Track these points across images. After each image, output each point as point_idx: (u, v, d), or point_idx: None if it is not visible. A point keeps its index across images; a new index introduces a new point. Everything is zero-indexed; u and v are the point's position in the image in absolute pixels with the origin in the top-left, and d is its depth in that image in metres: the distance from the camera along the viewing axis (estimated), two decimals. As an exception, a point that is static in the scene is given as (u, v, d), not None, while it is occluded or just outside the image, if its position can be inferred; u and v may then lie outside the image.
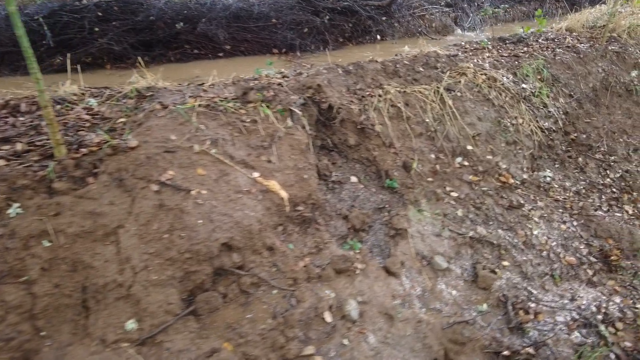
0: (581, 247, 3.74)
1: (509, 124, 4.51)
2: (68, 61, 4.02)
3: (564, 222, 3.96)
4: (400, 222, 3.53)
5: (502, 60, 5.25)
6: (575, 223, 3.96)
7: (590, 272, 3.52)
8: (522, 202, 4.02)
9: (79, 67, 5.18)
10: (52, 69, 5.15)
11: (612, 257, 3.60)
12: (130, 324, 2.51)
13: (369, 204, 3.81)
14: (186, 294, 2.78)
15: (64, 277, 2.56)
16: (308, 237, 3.35)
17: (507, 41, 6.06)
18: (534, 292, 3.30)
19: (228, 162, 3.22)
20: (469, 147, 4.24)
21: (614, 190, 4.45)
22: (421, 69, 4.65)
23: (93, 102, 3.75)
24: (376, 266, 3.21)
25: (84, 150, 3.00)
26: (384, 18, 6.86)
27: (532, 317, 3.06)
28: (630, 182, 4.53)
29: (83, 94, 3.94)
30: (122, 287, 2.59)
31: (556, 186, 4.33)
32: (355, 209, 3.65)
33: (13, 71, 4.98)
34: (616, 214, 4.17)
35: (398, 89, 4.35)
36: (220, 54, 5.84)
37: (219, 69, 4.55)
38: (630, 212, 4.23)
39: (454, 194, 3.96)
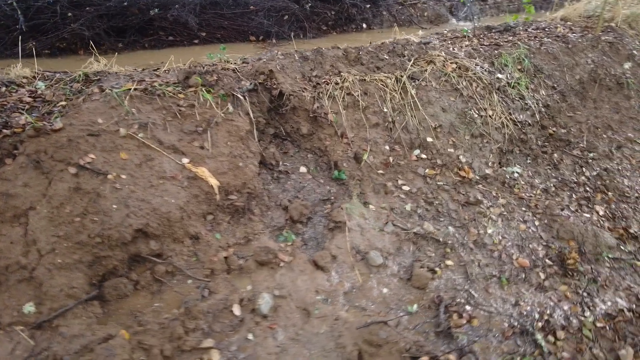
0: (538, 248, 3.48)
1: (476, 115, 4.26)
2: (19, 45, 4.02)
3: (525, 222, 3.70)
4: (340, 215, 3.38)
5: (481, 49, 4.97)
6: (537, 223, 3.70)
7: (542, 276, 3.27)
8: (480, 198, 3.79)
9: (49, 51, 5.22)
10: (24, 54, 5.19)
11: (570, 261, 3.33)
12: (29, 307, 2.47)
13: (313, 196, 3.66)
14: (97, 278, 2.73)
15: (-33, 257, 2.54)
16: (239, 227, 3.24)
17: (493, 30, 5.75)
18: (475, 295, 3.09)
19: (155, 146, 3.14)
20: (429, 139, 4.03)
21: (588, 189, 4.14)
22: (386, 57, 4.44)
23: (41, 85, 3.74)
24: (304, 259, 3.08)
25: (6, 131, 2.98)
26: (368, 6, 6.62)
27: (464, 321, 2.86)
28: (607, 181, 4.20)
29: (34, 77, 3.94)
30: (25, 270, 2.56)
31: (523, 183, 4.06)
32: (297, 200, 3.52)
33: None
34: (584, 214, 3.87)
35: (357, 76, 4.16)
36: (196, 41, 5.77)
37: (194, 56, 4.47)
38: (601, 213, 3.91)
39: (406, 188, 3.77)
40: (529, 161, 4.33)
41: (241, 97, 3.64)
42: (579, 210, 3.89)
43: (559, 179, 4.19)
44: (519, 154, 4.35)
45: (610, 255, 3.50)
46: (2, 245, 2.58)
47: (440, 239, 3.41)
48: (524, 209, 3.82)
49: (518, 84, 4.69)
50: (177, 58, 4.73)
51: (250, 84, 3.86)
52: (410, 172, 3.88)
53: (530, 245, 3.49)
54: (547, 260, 3.37)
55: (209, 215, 3.23)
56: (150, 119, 3.25)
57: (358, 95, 4.03)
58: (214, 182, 3.20)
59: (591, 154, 4.48)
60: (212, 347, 2.46)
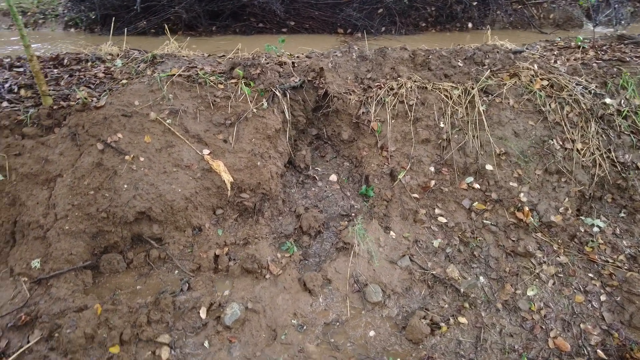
0: (593, 332, 2.69)
1: (558, 147, 3.45)
2: (112, 24, 4.45)
3: (585, 292, 2.89)
4: (350, 236, 3.06)
5: (594, 65, 3.99)
6: (603, 298, 2.86)
7: (586, 368, 2.53)
8: (533, 250, 3.07)
9: (157, 30, 5.73)
10: (136, 32, 5.82)
11: None
12: (35, 262, 2.76)
13: (333, 208, 3.39)
14: (98, 250, 2.92)
15: (3, 208, 2.93)
16: (244, 227, 3.16)
17: (627, 40, 4.59)
18: (482, 366, 2.53)
19: (179, 134, 3.21)
20: (489, 167, 3.39)
21: (703, 267, 3.05)
22: (460, 64, 3.84)
23: (119, 62, 4.12)
24: (293, 277, 2.87)
25: (63, 103, 3.34)
26: (475, 3, 5.76)
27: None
28: None
29: (118, 54, 4.36)
30: (41, 229, 2.86)
31: (601, 242, 3.17)
32: (312, 211, 3.29)
33: (108, 31, 5.76)
34: None
35: (417, 83, 3.69)
36: (284, 30, 5.77)
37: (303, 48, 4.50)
38: None
39: (442, 220, 3.25)
40: (622, 215, 3.37)
41: (279, 94, 3.50)
42: (677, 295, 2.90)
43: (662, 246, 3.18)
44: (610, 203, 3.41)
45: None
46: (30, 204, 2.92)
47: (462, 290, 2.86)
48: (591, 275, 2.99)
49: (636, 113, 3.66)
50: (256, 45, 4.79)
51: (298, 80, 3.70)
52: (453, 201, 3.33)
53: (582, 325, 2.72)
54: (599, 351, 2.59)
55: (219, 209, 3.22)
56: (183, 106, 3.33)
57: (413, 105, 3.58)
58: (227, 177, 3.16)
59: None
60: (166, 344, 2.45)
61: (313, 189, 3.49)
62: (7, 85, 3.58)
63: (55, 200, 2.92)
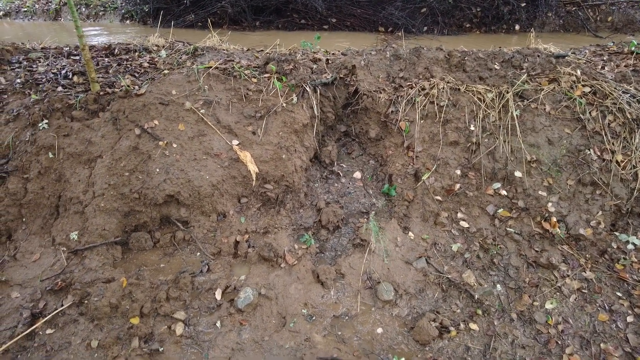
0: (614, 354, 2.55)
1: (595, 157, 3.28)
2: (160, 17, 4.69)
3: (610, 311, 2.75)
4: (366, 233, 3.09)
5: (647, 73, 3.75)
6: (630, 319, 2.70)
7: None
8: (557, 262, 2.95)
9: (206, 24, 5.97)
10: (185, 24, 6.10)
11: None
12: (73, 234, 3.01)
13: (355, 205, 3.43)
14: (129, 228, 3.14)
15: (50, 183, 3.21)
16: (266, 217, 3.27)
17: (689, 48, 4.25)
18: (490, 375, 2.49)
19: (211, 124, 3.36)
20: (518, 174, 3.29)
21: None
22: (496, 67, 3.74)
23: (163, 53, 4.36)
24: (308, 268, 2.94)
25: (109, 90, 3.59)
26: (523, 4, 5.50)
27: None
28: None
29: (164, 46, 4.60)
30: (80, 205, 3.11)
31: (635, 260, 2.98)
32: (333, 206, 3.35)
33: (165, 23, 6.09)
34: None
35: (450, 84, 3.64)
36: (325, 27, 5.82)
37: (320, 42, 4.57)
38: None
39: (464, 224, 3.20)
40: (663, 233, 3.16)
41: (309, 90, 3.58)
42: None
43: None
44: (651, 220, 3.21)
45: None
46: (73, 181, 3.18)
47: (476, 296, 2.82)
48: (619, 294, 2.84)
49: (689, 127, 3.41)
50: (297, 41, 4.88)
51: (330, 77, 3.76)
52: (477, 207, 3.27)
53: (603, 345, 2.60)
54: (618, 373, 2.47)
55: (244, 198, 3.34)
56: (217, 97, 3.48)
57: (443, 106, 3.53)
58: (252, 168, 3.28)
59: None
60: (181, 320, 2.60)
61: (336, 184, 3.54)
62: (63, 72, 3.90)
63: (95, 179, 3.16)
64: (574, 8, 5.87)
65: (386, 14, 5.59)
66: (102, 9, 6.52)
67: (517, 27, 5.74)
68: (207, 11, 5.83)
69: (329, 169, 3.62)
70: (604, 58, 4.15)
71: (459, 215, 3.24)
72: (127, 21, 6.37)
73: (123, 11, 6.43)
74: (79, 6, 7.08)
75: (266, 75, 3.66)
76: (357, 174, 3.62)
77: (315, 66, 3.97)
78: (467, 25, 5.76)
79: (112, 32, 5.89)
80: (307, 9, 5.77)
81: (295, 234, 3.22)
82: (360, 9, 5.71)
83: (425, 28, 5.56)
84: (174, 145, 3.23)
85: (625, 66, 3.92)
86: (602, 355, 2.56)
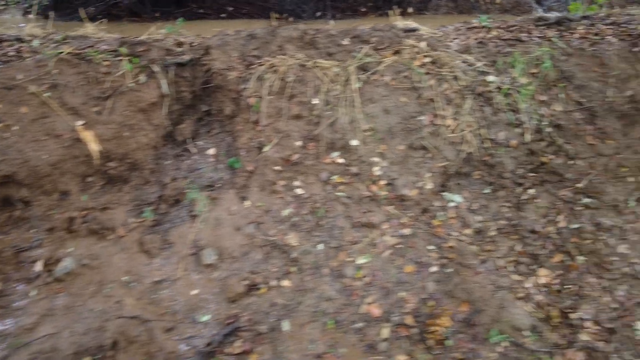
0: (411, 300, 2.70)
1: (426, 123, 3.46)
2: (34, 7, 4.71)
3: (419, 263, 2.92)
4: (199, 204, 3.21)
5: (490, 45, 3.95)
6: (434, 269, 2.86)
7: (384, 334, 2.58)
8: (378, 222, 3.12)
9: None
10: (84, 17, 6.12)
11: (434, 328, 2.53)
12: None
13: (202, 180, 3.54)
14: (-30, 209, 3.20)
15: None
16: (108, 194, 3.36)
17: (542, 22, 4.47)
18: (283, 329, 2.63)
19: (55, 106, 3.43)
20: (354, 143, 3.45)
21: (548, 245, 2.99)
22: (346, 42, 3.89)
23: (36, 43, 4.40)
24: (135, 239, 3.05)
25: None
26: None
27: (239, 351, 2.49)
28: (587, 241, 2.94)
29: (39, 36, 4.64)
30: None
31: (452, 216, 3.16)
32: (179, 181, 3.46)
33: (60, 16, 6.08)
34: (512, 276, 2.83)
35: (300, 61, 3.77)
36: (223, 15, 5.93)
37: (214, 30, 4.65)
38: (544, 280, 2.79)
39: (299, 191, 3.34)
40: (486, 191, 3.34)
41: (157, 70, 3.67)
42: (509, 269, 2.89)
43: (513, 222, 3.14)
44: (477, 180, 3.40)
45: (511, 339, 2.55)
46: None
47: (294, 255, 2.96)
48: (431, 247, 3.02)
49: (518, 92, 3.61)
50: (196, 30, 4.95)
51: (187, 58, 3.86)
52: (313, 175, 3.42)
53: (401, 294, 2.77)
54: (408, 318, 2.64)
55: (89, 177, 3.43)
56: (65, 80, 3.55)
57: (290, 82, 3.67)
58: (94, 147, 3.37)
59: (587, 200, 3.20)
60: (-3, 290, 2.69)
61: (188, 161, 3.65)
62: None
63: None
64: (462, -10, 6.11)
65: (279, 0, 5.72)
66: (4, 3, 6.52)
67: (410, 9, 5.92)
68: (106, 3, 5.89)
69: (183, 147, 3.73)
70: (461, 32, 4.33)
71: (296, 183, 3.38)
72: (31, 15, 6.38)
73: (25, 5, 6.43)
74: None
75: (119, 58, 3.74)
76: (212, 150, 3.73)
77: (180, 49, 4.07)
78: (363, 10, 5.93)
79: (8, 27, 5.90)
80: (204, -2, 5.87)
81: (137, 210, 3.32)
82: (255, -4, 5.84)
83: (319, 13, 5.71)
84: (15, 128, 3.29)
85: (475, 39, 4.11)
86: (398, 303, 2.73)
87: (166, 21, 6.16)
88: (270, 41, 3.98)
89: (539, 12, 6.11)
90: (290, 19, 5.70)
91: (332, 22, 5.49)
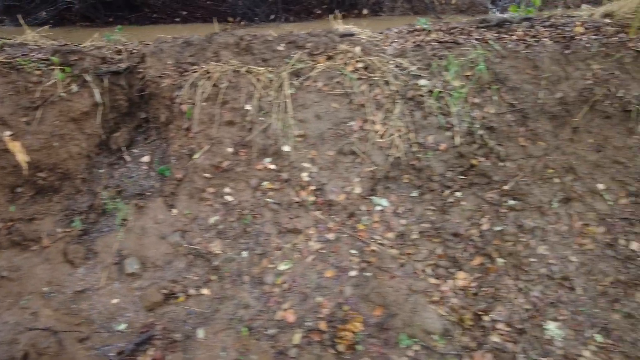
0: (327, 305, 2.73)
1: (356, 128, 3.49)
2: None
3: (338, 268, 2.94)
4: (131, 214, 3.21)
5: (426, 48, 3.98)
6: (352, 273, 2.90)
7: (296, 340, 2.60)
8: (303, 228, 3.14)
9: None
10: (36, 22, 6.08)
11: (344, 333, 2.56)
12: None
13: (133, 187, 3.54)
14: None
15: None
16: (37, 204, 3.35)
17: (483, 24, 4.52)
18: (196, 335, 2.64)
19: (-19, 117, 3.41)
20: (286, 149, 3.47)
21: (469, 247, 3.04)
22: (281, 48, 3.91)
23: (-23, 51, 4.36)
24: (60, 249, 3.04)
25: None
26: None
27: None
28: (507, 244, 2.98)
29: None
30: None
31: (376, 220, 3.20)
32: (110, 190, 3.46)
33: (12, 22, 6.04)
34: (429, 279, 2.86)
35: (233, 67, 3.78)
36: (177, 19, 5.92)
37: (171, 34, 4.62)
38: (461, 283, 2.84)
39: (228, 198, 3.35)
40: (413, 195, 3.38)
41: (89, 79, 3.66)
42: (428, 273, 2.93)
43: (437, 225, 3.18)
44: (405, 184, 3.43)
45: (422, 343, 2.59)
46: None
47: (216, 263, 2.98)
48: (353, 251, 3.05)
49: (450, 95, 3.65)
50: (150, 35, 4.93)
51: (123, 66, 3.86)
52: (244, 181, 3.43)
53: (319, 299, 2.80)
54: (321, 324, 2.67)
55: (19, 187, 3.42)
56: (-6, 91, 3.53)
57: (223, 88, 3.67)
58: (22, 157, 3.35)
59: (512, 202, 3.26)
60: None
61: (121, 169, 3.65)
62: None
63: None
64: (418, -9, 6.15)
65: (231, 4, 5.72)
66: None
67: (365, 11, 5.95)
68: (57, 7, 5.84)
69: (117, 155, 3.73)
70: (401, 35, 4.37)
71: (226, 190, 3.40)
72: (-18, 21, 6.33)
73: (-20, 12, 6.37)
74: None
75: (51, 67, 3.73)
76: (146, 158, 3.73)
77: (119, 57, 4.06)
78: (317, 12, 5.95)
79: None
80: (157, 2, 5.83)
81: (67, 219, 3.32)
82: (209, 1, 5.81)
83: (273, 16, 5.72)
84: (-61, 140, 3.27)
85: (413, 42, 4.14)
86: (314, 309, 2.75)
87: (119, 25, 6.13)
88: (207, 48, 3.99)
89: (495, 13, 6.17)
90: (243, 22, 5.70)
91: (282, 25, 5.51)
